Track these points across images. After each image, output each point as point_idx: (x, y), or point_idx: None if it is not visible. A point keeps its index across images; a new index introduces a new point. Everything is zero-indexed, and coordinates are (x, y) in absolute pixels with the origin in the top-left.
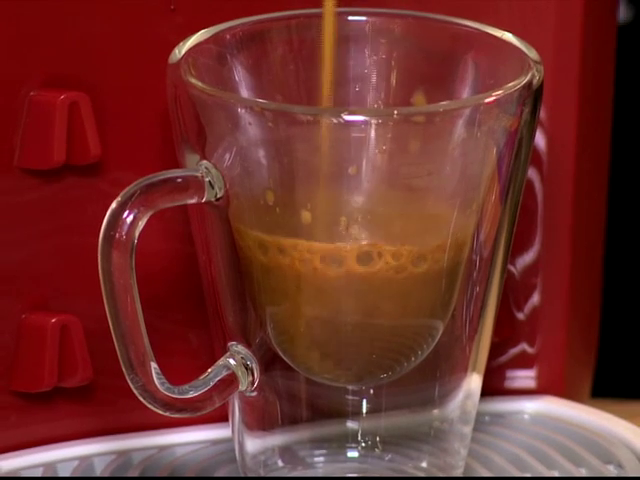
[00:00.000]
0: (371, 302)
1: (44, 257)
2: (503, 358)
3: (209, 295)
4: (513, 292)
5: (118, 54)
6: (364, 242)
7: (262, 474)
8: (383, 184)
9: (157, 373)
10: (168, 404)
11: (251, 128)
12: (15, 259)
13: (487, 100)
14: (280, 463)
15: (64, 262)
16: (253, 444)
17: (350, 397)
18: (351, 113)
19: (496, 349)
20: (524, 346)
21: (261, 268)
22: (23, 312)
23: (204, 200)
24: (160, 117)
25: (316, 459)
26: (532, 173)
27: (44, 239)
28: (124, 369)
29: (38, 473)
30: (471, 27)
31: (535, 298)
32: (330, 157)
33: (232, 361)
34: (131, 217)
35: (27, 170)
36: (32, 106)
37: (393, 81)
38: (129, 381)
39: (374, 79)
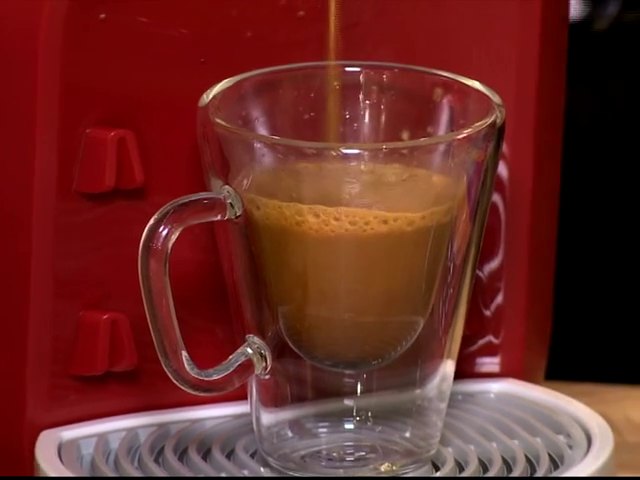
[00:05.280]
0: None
1: (98, 265)
2: (473, 347)
3: (231, 296)
4: (481, 293)
5: (158, 98)
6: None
7: (275, 443)
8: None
9: (187, 360)
10: (196, 385)
11: (265, 159)
12: (74, 267)
13: (459, 137)
14: (290, 434)
15: (114, 269)
16: (267, 418)
17: (347, 380)
18: (348, 147)
19: (467, 340)
20: (490, 338)
21: (274, 270)
22: (80, 310)
23: (226, 218)
24: (191, 150)
25: (319, 430)
26: (496, 197)
27: (97, 251)
28: (160, 356)
29: (92, 442)
30: (446, 76)
31: (499, 298)
32: (331, 184)
33: (249, 350)
34: (166, 231)
35: (84, 194)
36: (87, 141)
37: (383, 121)
38: (164, 366)
39: (367, 119)
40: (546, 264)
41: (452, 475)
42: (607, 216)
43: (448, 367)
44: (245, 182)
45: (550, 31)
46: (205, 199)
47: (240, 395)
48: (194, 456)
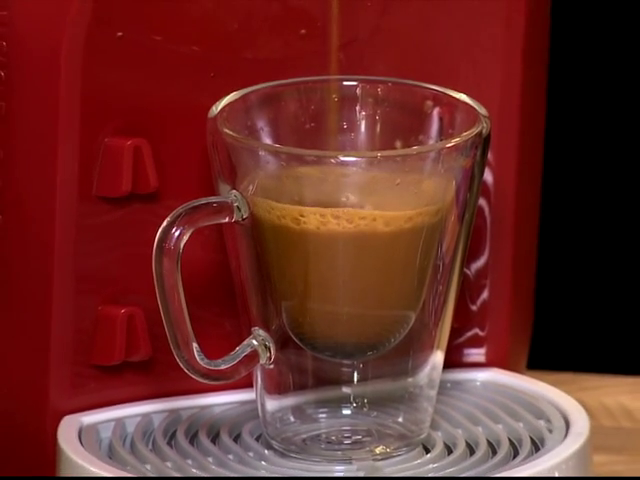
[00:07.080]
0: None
1: (115, 264)
2: (460, 339)
3: (238, 292)
4: (468, 290)
5: (171, 110)
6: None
7: (278, 427)
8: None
9: (197, 351)
10: (206, 374)
11: (269, 165)
12: (94, 265)
13: (448, 145)
14: (292, 419)
15: (131, 267)
16: (271, 404)
17: (345, 369)
18: (345, 155)
19: (455, 332)
20: (476, 330)
21: (278, 268)
22: (99, 305)
23: (233, 220)
24: (201, 158)
25: (319, 415)
26: (482, 201)
27: (115, 250)
28: (172, 348)
29: (110, 427)
30: (436, 90)
31: (485, 294)
32: (330, 188)
33: (254, 341)
34: (178, 232)
35: (102, 198)
36: (106, 149)
37: (378, 130)
38: (176, 357)
39: (363, 129)
40: (528, 263)
41: (441, 457)
42: (586, 216)
43: (438, 357)
44: (251, 187)
45: (533, 47)
46: (214, 203)
47: (246, 383)
48: (204, 439)
